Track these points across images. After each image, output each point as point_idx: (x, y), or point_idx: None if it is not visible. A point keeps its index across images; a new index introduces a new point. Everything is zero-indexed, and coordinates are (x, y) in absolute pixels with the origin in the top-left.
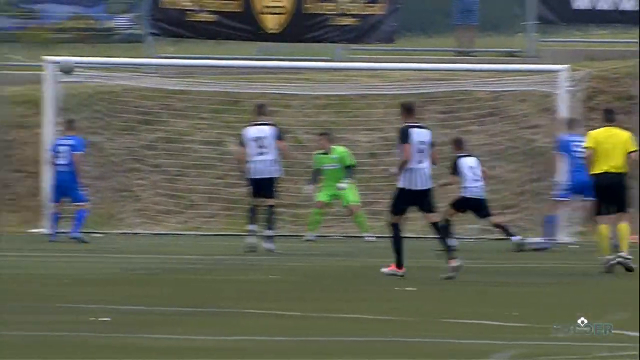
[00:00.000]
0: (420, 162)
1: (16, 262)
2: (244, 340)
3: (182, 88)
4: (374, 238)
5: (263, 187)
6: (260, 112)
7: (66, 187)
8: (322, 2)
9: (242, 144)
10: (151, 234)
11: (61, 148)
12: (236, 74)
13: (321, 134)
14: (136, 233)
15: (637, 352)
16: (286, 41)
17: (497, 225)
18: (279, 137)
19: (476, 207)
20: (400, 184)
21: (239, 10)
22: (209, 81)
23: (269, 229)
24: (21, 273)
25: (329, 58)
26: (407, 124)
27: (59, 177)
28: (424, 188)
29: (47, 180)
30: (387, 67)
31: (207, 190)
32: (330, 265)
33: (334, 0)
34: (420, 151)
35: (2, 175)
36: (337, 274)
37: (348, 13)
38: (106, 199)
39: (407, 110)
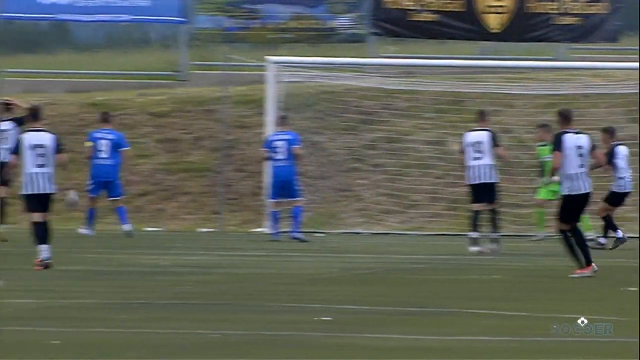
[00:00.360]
0: (580, 166)
1: (238, 261)
2: (466, 340)
3: (403, 88)
4: (595, 236)
5: (483, 193)
6: (480, 119)
7: (284, 182)
8: (544, 2)
9: (462, 148)
10: (372, 233)
11: (278, 143)
12: (458, 73)
13: (540, 126)
14: (357, 232)
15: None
16: (508, 40)
17: (605, 219)
18: (496, 142)
19: (623, 201)
20: (565, 190)
21: (461, 10)
22: (431, 81)
23: (494, 232)
24: (243, 272)
25: (551, 57)
26: (563, 130)
27: (278, 172)
28: (587, 192)
29: (266, 178)
30: (610, 67)
31: (428, 190)
32: (553, 265)
33: (556, 0)
34: (580, 155)
35: (224, 175)
36: (559, 274)
37: (570, 12)
38: (327, 199)
39: (564, 117)
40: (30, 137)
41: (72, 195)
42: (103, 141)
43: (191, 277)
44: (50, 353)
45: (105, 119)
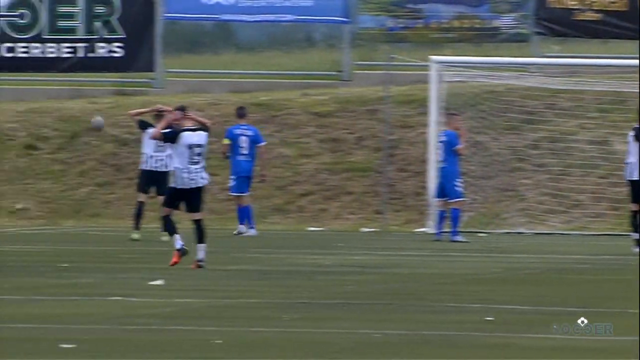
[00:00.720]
0: None
1: (401, 261)
2: (628, 340)
3: (567, 87)
4: None
5: (633, 191)
6: None
7: (442, 182)
8: None
9: None
10: (535, 233)
11: (439, 144)
12: (621, 73)
13: None
14: (520, 232)
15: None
16: None
17: None
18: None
19: None
20: None
21: (624, 9)
22: (594, 80)
23: None
24: (406, 272)
25: None
26: None
27: (439, 172)
28: None
29: (431, 178)
30: None
31: (592, 190)
32: None
33: None
34: None
35: (387, 175)
36: None
37: None
38: (490, 198)
39: None
40: (189, 136)
41: (98, 118)
42: (243, 137)
43: (353, 277)
44: (212, 352)
45: (241, 114)
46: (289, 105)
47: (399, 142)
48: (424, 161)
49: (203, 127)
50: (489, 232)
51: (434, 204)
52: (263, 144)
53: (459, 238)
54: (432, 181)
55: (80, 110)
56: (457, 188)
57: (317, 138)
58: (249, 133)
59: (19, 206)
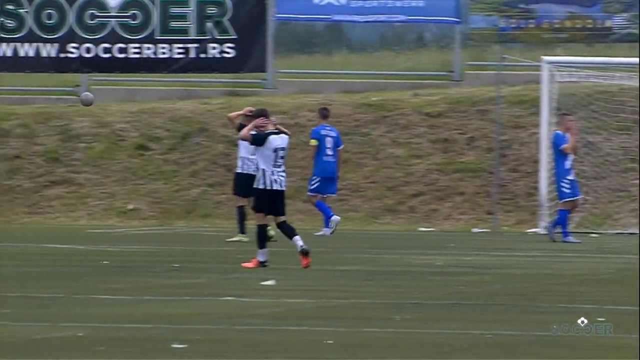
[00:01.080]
0: None
1: (512, 262)
2: None
3: None
4: None
5: None
6: None
7: (556, 184)
8: None
9: None
10: None
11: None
12: None
13: None
14: (632, 233)
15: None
16: None
17: None
18: None
19: None
20: None
21: None
22: None
23: None
24: (517, 273)
25: None
26: None
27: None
28: None
29: (542, 179)
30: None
31: None
32: None
33: None
34: None
35: (498, 175)
36: None
37: None
38: (602, 199)
39: None
40: (274, 140)
41: (87, 93)
42: (328, 138)
43: (464, 278)
44: (323, 352)
45: (325, 115)
46: (400, 106)
47: (511, 142)
48: (535, 161)
49: (284, 131)
50: (601, 233)
51: (547, 204)
52: (342, 146)
53: (570, 239)
54: (543, 182)
55: (192, 111)
56: (563, 189)
57: (428, 138)
58: (333, 134)
59: (130, 206)
